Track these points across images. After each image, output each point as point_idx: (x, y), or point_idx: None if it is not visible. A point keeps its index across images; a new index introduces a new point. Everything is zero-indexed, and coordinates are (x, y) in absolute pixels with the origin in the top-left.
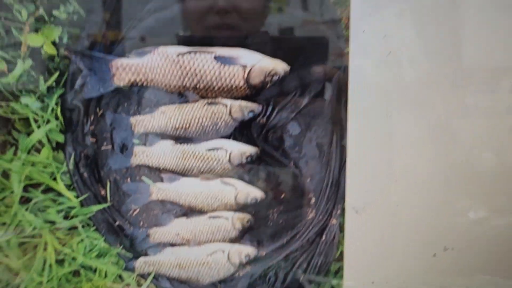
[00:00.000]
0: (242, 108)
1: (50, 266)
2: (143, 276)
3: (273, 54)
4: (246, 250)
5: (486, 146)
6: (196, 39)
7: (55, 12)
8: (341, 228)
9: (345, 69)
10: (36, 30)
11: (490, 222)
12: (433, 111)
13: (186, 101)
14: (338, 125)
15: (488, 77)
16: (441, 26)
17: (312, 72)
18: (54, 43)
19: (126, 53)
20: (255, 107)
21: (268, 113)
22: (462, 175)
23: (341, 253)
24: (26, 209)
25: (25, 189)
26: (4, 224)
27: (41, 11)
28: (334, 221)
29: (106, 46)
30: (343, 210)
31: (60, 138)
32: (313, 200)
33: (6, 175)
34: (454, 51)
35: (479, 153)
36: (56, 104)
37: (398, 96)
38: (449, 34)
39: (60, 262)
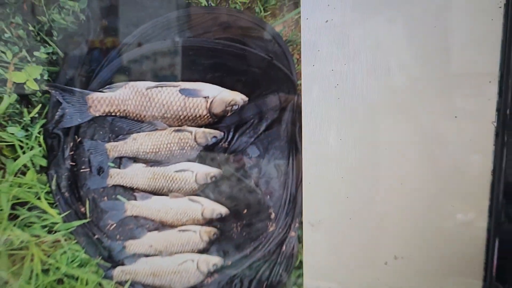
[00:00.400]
0: (205, 134)
1: (37, 275)
2: (121, 283)
3: (231, 86)
4: (213, 259)
5: (474, 149)
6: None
7: (36, 53)
8: (300, 239)
9: (297, 98)
10: (20, 69)
11: (475, 224)
12: (420, 116)
13: (156, 129)
14: (294, 147)
15: (475, 82)
16: (429, 32)
17: (268, 102)
18: (36, 80)
19: (98, 86)
20: (218, 133)
21: (229, 138)
22: (450, 178)
23: (300, 262)
24: (14, 225)
25: (13, 207)
26: None
27: (23, 52)
28: (293, 233)
29: (81, 80)
30: (300, 223)
31: (43, 162)
32: (273, 215)
33: None
34: (441, 57)
35: (467, 157)
36: (39, 132)
37: (383, 103)
38: (436, 39)
39: (45, 272)
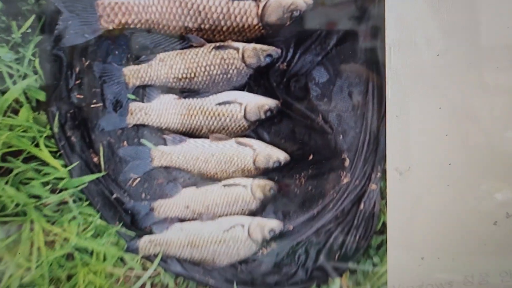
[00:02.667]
0: (257, 52)
1: (39, 249)
2: (149, 258)
3: None
4: (270, 223)
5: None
6: None
7: None
8: (383, 194)
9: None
10: None
11: None
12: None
13: (190, 46)
14: (375, 68)
15: (506, 54)
16: (457, 3)
17: (341, 5)
18: None
19: None
20: (273, 50)
21: (288, 57)
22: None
23: (384, 225)
24: (6, 182)
25: (3, 158)
26: None
27: None
28: (373, 186)
29: None
30: (384, 172)
31: (41, 96)
32: (347, 162)
33: None
34: (471, 29)
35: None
36: (34, 54)
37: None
38: (465, 11)
39: (50, 244)
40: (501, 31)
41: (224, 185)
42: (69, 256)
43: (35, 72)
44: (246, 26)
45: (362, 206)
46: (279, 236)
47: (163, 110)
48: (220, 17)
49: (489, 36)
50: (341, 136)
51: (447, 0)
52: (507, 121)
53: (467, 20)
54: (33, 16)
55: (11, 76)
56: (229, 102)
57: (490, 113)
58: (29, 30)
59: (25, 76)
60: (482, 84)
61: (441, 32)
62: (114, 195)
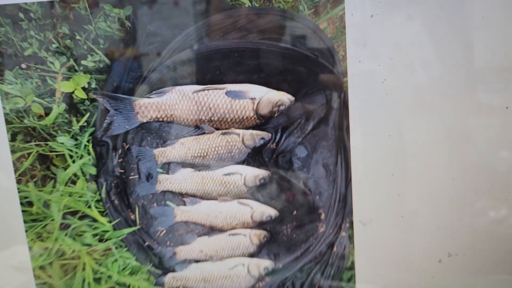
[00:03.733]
0: (253, 136)
1: (89, 284)
2: None
3: (277, 86)
4: (264, 263)
5: (502, 145)
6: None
7: (83, 62)
8: (351, 239)
9: (344, 95)
10: (68, 78)
11: (509, 221)
12: (446, 113)
13: (203, 133)
14: (342, 146)
15: (500, 76)
16: (451, 27)
17: (315, 100)
18: (83, 89)
19: (145, 92)
20: (265, 134)
21: (277, 139)
22: (479, 175)
23: (352, 263)
24: (66, 234)
25: (64, 216)
26: (46, 248)
27: (71, 62)
28: (343, 233)
29: (128, 87)
30: (351, 223)
31: (93, 171)
32: (323, 216)
33: (47, 205)
34: (464, 51)
35: (495, 152)
36: (88, 141)
37: (409, 101)
38: (459, 34)
39: (97, 280)
40: (494, 54)
41: (229, 235)
42: None
43: (89, 154)
44: (245, 117)
45: (335, 248)
46: (271, 272)
47: (183, 180)
48: (225, 112)
49: (482, 58)
50: (317, 197)
51: (441, 24)
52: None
53: (460, 44)
54: (88, 114)
55: (71, 156)
56: (232, 173)
57: (483, 135)
58: (85, 124)
59: (81, 157)
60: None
61: (434, 55)
62: (146, 243)
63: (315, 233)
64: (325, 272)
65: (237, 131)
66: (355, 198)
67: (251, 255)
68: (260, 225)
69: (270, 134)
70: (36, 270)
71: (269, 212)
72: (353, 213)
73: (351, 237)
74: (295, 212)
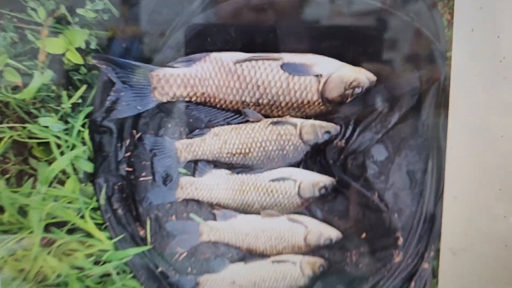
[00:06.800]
0: (315, 129)
1: None
2: None
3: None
4: None
5: None
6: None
7: (79, 11)
8: (435, 273)
9: (445, 78)
10: (57, 34)
11: None
12: None
13: (246, 121)
14: (435, 148)
15: None
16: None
17: (404, 83)
18: (79, 50)
19: (168, 59)
20: (332, 127)
21: (347, 134)
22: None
23: None
24: (49, 253)
25: (47, 228)
26: (22, 270)
27: (62, 9)
28: (426, 265)
29: (143, 51)
30: (437, 251)
31: (89, 168)
32: (400, 240)
33: (23, 212)
34: (489, 45)
35: None
36: (83, 125)
37: (500, 112)
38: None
39: None
40: None
41: (273, 261)
42: None
43: (84, 143)
44: (305, 102)
45: (413, 284)
46: None
47: (215, 185)
48: (279, 92)
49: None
50: (396, 215)
51: None
52: None
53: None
54: (84, 86)
55: (59, 146)
56: (283, 179)
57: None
58: (80, 101)
59: (73, 147)
60: None
61: None
62: (159, 269)
63: (388, 263)
64: None
65: (294, 120)
66: (447, 219)
67: None
68: (315, 250)
69: (338, 127)
70: None
71: (329, 233)
72: (442, 239)
73: (435, 270)
74: (364, 235)
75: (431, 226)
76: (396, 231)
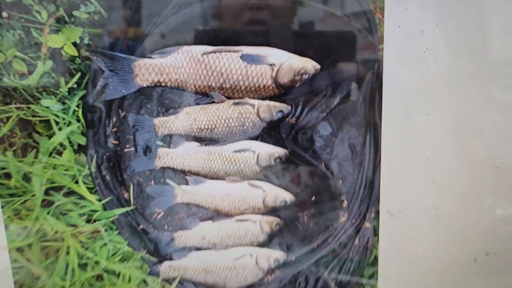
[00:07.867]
0: (270, 108)
1: (73, 270)
2: (168, 281)
3: (300, 52)
4: (275, 254)
5: None
6: (220, 35)
7: (75, 13)
8: (375, 231)
9: (378, 66)
10: (57, 31)
11: None
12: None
13: (212, 102)
14: (372, 124)
15: None
16: (464, 20)
17: (344, 70)
18: (75, 44)
19: (147, 52)
20: (284, 107)
21: (297, 113)
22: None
23: (375, 258)
24: (48, 213)
25: (47, 192)
26: (25, 227)
27: (61, 11)
28: (368, 224)
29: (127, 44)
30: (377, 213)
31: (82, 141)
32: (345, 203)
33: (27, 178)
34: (478, 45)
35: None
36: (78, 106)
37: (457, 75)
38: (472, 28)
39: (82, 266)
40: (507, 49)
41: (237, 220)
42: (99, 277)
43: (78, 121)
44: (261, 86)
45: (357, 241)
46: (282, 265)
47: (187, 155)
48: (240, 78)
49: (495, 54)
50: (340, 181)
51: (455, 17)
52: None
53: (473, 38)
54: (79, 74)
55: (57, 123)
56: (244, 150)
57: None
58: (75, 86)
59: (69, 124)
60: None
61: (447, 49)
62: (141, 226)
63: (335, 222)
64: (344, 267)
65: (252, 101)
66: (384, 185)
67: (261, 245)
68: (272, 211)
69: (289, 107)
70: (12, 252)
71: (284, 196)
72: (380, 202)
73: (376, 229)
74: (313, 198)
75: (370, 191)
76: (341, 195)
